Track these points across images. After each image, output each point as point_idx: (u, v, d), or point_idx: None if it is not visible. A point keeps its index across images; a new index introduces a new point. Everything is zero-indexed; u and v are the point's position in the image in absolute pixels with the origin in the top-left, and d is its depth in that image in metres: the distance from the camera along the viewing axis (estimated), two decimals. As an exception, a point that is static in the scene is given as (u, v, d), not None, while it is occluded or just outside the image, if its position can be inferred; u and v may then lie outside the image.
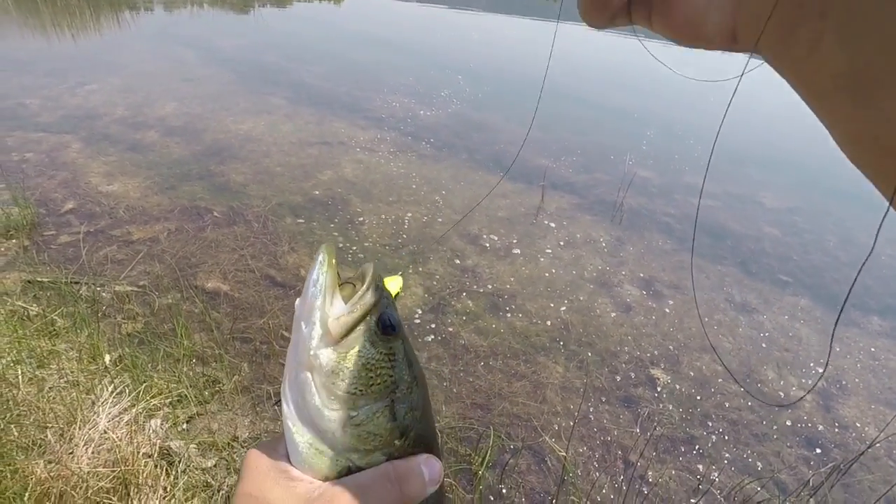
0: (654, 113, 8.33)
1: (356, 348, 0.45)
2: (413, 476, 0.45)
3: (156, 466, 1.71)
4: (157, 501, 1.62)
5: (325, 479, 0.44)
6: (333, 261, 0.47)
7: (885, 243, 4.94)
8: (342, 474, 0.45)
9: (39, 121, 5.42)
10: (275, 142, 5.44)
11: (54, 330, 2.39)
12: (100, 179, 4.37)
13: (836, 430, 2.87)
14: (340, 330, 0.45)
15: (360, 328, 0.46)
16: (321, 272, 0.46)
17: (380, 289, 0.48)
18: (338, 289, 0.47)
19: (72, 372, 2.06)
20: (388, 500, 0.44)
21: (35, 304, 2.60)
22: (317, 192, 4.51)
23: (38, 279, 2.88)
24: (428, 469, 0.46)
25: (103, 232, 3.65)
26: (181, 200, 4.17)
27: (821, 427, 2.87)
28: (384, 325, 0.47)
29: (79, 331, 2.41)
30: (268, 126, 5.84)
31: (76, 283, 2.94)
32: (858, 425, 2.92)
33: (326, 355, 0.44)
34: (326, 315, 0.45)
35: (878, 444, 2.65)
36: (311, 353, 0.44)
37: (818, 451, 2.72)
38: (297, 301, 0.48)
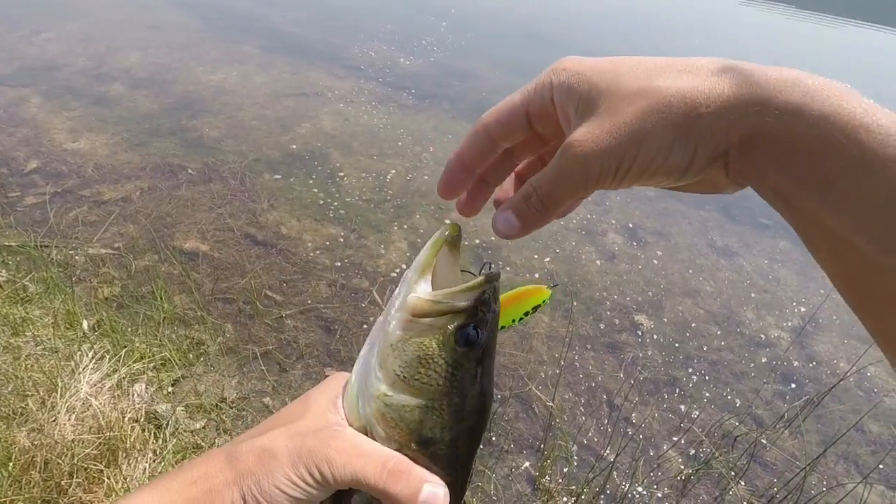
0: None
1: (424, 338, 0.44)
2: (407, 482, 0.42)
3: (143, 431, 1.70)
4: (147, 465, 1.62)
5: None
6: (443, 245, 0.47)
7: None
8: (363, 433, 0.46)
9: (-7, 75, 5.09)
10: (249, 94, 5.20)
11: (27, 296, 2.32)
12: (64, 136, 4.16)
13: (811, 365, 2.98)
14: (415, 310, 0.45)
15: (440, 321, 0.44)
16: (425, 251, 0.47)
17: (481, 299, 0.45)
18: (430, 272, 0.46)
19: (49, 339, 2.01)
20: (371, 483, 0.42)
21: (4, 270, 2.51)
22: (295, 147, 4.36)
23: (6, 243, 2.77)
24: (428, 491, 0.42)
25: (71, 192, 3.50)
26: (153, 157, 4.00)
27: (796, 363, 2.97)
28: (463, 336, 0.44)
29: (52, 296, 2.35)
30: (241, 77, 5.56)
31: (46, 246, 2.83)
32: (832, 360, 3.03)
33: (396, 326, 0.45)
34: (412, 290, 0.45)
35: (849, 378, 2.76)
36: (390, 315, 0.46)
37: (793, 385, 2.83)
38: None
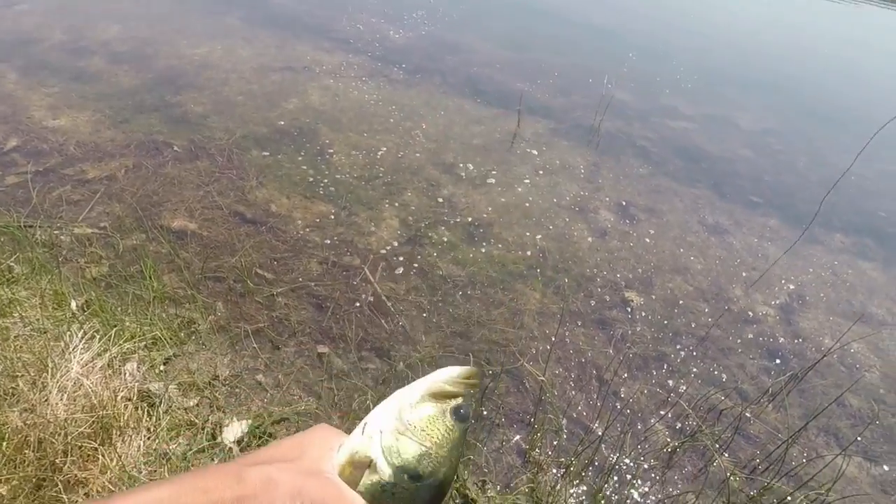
0: (636, 32, 8.01)
1: (431, 413, 0.59)
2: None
3: (136, 409, 1.70)
4: (142, 441, 1.62)
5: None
6: (452, 390, 0.60)
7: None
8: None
9: (-34, 48, 4.91)
10: (234, 68, 5.08)
11: (12, 277, 2.28)
12: (44, 113, 4.04)
13: (796, 341, 3.04)
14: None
15: (440, 405, 0.60)
16: (434, 389, 0.60)
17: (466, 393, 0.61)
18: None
19: (37, 319, 1.99)
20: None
21: (-12, 251, 2.46)
22: (282, 123, 4.28)
23: (-11, 224, 2.71)
24: None
25: (54, 171, 3.42)
26: (137, 134, 3.91)
27: (781, 339, 3.03)
28: (460, 412, 0.60)
29: (39, 277, 2.31)
30: (225, 50, 5.41)
31: (30, 226, 2.78)
32: (817, 337, 3.09)
33: (410, 405, 0.59)
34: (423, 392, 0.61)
35: (832, 354, 2.82)
36: (403, 403, 0.59)
37: (778, 361, 2.89)
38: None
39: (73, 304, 2.16)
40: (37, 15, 5.76)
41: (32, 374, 1.69)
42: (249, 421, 1.87)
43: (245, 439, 1.79)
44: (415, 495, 0.56)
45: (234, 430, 1.79)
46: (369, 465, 0.55)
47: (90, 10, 6.02)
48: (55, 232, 2.83)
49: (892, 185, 5.01)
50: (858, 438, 2.49)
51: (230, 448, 1.72)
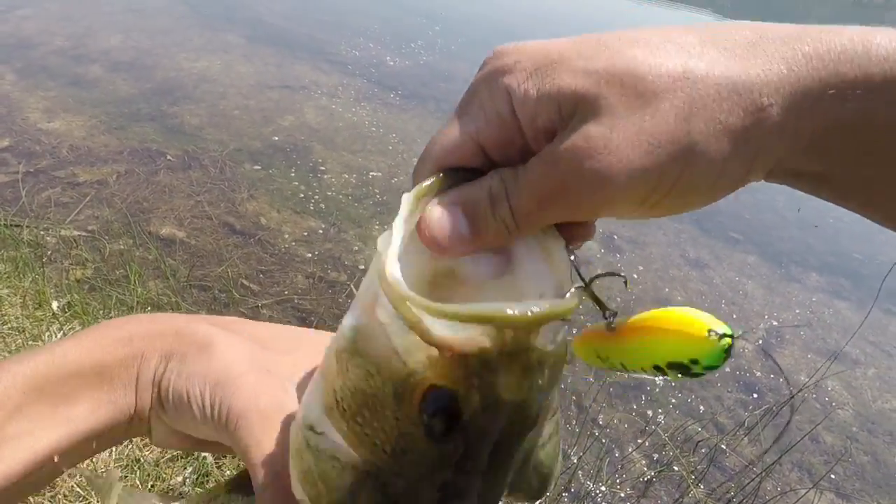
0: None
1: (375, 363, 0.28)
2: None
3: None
4: (114, 447, 1.60)
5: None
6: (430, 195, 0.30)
7: (831, 208, 5.20)
8: None
9: (-35, 48, 4.92)
10: (232, 83, 5.15)
11: (-6, 274, 2.27)
12: (39, 116, 4.05)
13: (772, 376, 3.10)
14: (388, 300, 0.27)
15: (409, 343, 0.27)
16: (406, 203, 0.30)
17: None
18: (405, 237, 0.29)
19: (16, 318, 1.97)
20: (255, 481, 0.35)
21: (-29, 248, 2.44)
22: (277, 139, 4.33)
23: (-26, 221, 2.70)
24: None
25: (45, 172, 3.41)
26: (131, 142, 3.93)
27: (758, 374, 3.09)
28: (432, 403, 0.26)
29: (22, 276, 2.29)
30: (224, 66, 5.50)
31: (17, 226, 2.76)
32: (792, 373, 3.15)
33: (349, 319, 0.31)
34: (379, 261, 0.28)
35: (807, 389, 2.88)
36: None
37: (755, 395, 2.94)
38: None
39: (55, 305, 2.14)
40: (40, 21, 5.81)
41: (8, 373, 1.67)
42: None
43: (220, 448, 1.77)
44: None
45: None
46: None
47: (92, 20, 6.10)
48: (41, 232, 2.82)
49: (867, 229, 5.18)
50: (832, 476, 2.52)
51: (205, 457, 1.69)
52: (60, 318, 2.07)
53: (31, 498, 1.41)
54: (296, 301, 2.81)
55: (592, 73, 0.26)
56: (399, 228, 0.28)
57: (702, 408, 2.77)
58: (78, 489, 1.48)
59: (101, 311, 2.25)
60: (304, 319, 2.71)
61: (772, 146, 0.27)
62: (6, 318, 1.96)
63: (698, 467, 2.40)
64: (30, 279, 2.27)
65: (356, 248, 3.31)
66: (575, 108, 0.26)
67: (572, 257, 0.30)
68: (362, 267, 3.15)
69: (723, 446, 2.53)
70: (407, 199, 0.29)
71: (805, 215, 4.93)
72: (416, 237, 0.29)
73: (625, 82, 0.25)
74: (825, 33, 0.26)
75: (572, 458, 2.30)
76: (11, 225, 2.74)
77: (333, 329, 0.32)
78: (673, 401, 2.77)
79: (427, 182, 0.30)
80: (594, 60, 0.26)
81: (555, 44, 0.28)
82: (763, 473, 2.26)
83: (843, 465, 2.60)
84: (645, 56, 0.26)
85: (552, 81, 0.26)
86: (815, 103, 0.26)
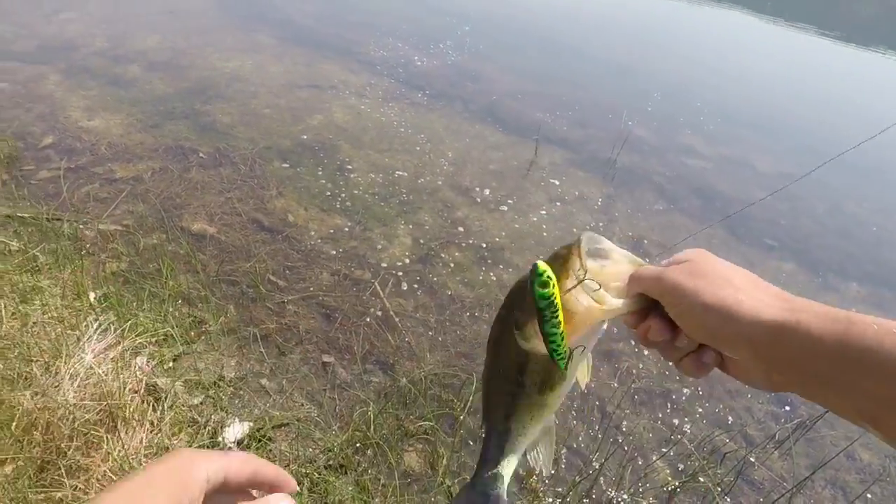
0: (664, 72, 8.12)
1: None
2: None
3: (143, 402, 1.73)
4: (145, 434, 1.65)
5: None
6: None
7: (873, 212, 5.00)
8: None
9: (13, 49, 5.15)
10: (263, 82, 5.25)
11: (36, 266, 2.36)
12: (80, 114, 4.21)
13: (805, 388, 2.98)
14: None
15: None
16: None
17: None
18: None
19: (56, 308, 2.05)
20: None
21: (16, 240, 2.55)
22: (305, 137, 4.40)
23: (19, 214, 2.82)
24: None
25: (84, 169, 3.54)
26: (165, 139, 4.04)
27: (791, 385, 2.98)
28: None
29: (62, 268, 2.38)
30: (255, 66, 5.61)
31: (58, 219, 2.88)
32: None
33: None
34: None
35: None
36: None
37: (787, 408, 2.84)
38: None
39: (92, 296, 2.22)
40: (82, 23, 6.04)
41: (46, 360, 1.74)
42: (251, 423, 1.89)
43: (245, 440, 1.81)
44: None
45: (234, 431, 1.81)
46: None
47: (131, 22, 6.30)
48: (80, 226, 2.93)
49: (911, 238, 4.96)
50: (868, 495, 2.42)
51: (230, 447, 1.73)
52: (97, 310, 2.15)
53: (65, 480, 1.46)
54: (320, 297, 2.85)
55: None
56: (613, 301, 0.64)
57: (730, 419, 2.69)
58: (110, 474, 1.53)
59: (134, 304, 2.32)
60: (328, 316, 2.75)
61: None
62: (47, 307, 2.04)
63: (725, 479, 2.33)
64: (69, 271, 2.36)
65: (380, 246, 3.33)
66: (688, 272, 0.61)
67: None
68: (385, 265, 3.17)
69: (751, 459, 2.45)
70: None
71: (844, 222, 4.75)
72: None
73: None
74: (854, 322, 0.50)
75: (594, 464, 2.26)
76: (53, 219, 2.85)
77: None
78: (700, 410, 2.70)
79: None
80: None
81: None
82: (794, 489, 2.18)
83: (881, 485, 2.49)
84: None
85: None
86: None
